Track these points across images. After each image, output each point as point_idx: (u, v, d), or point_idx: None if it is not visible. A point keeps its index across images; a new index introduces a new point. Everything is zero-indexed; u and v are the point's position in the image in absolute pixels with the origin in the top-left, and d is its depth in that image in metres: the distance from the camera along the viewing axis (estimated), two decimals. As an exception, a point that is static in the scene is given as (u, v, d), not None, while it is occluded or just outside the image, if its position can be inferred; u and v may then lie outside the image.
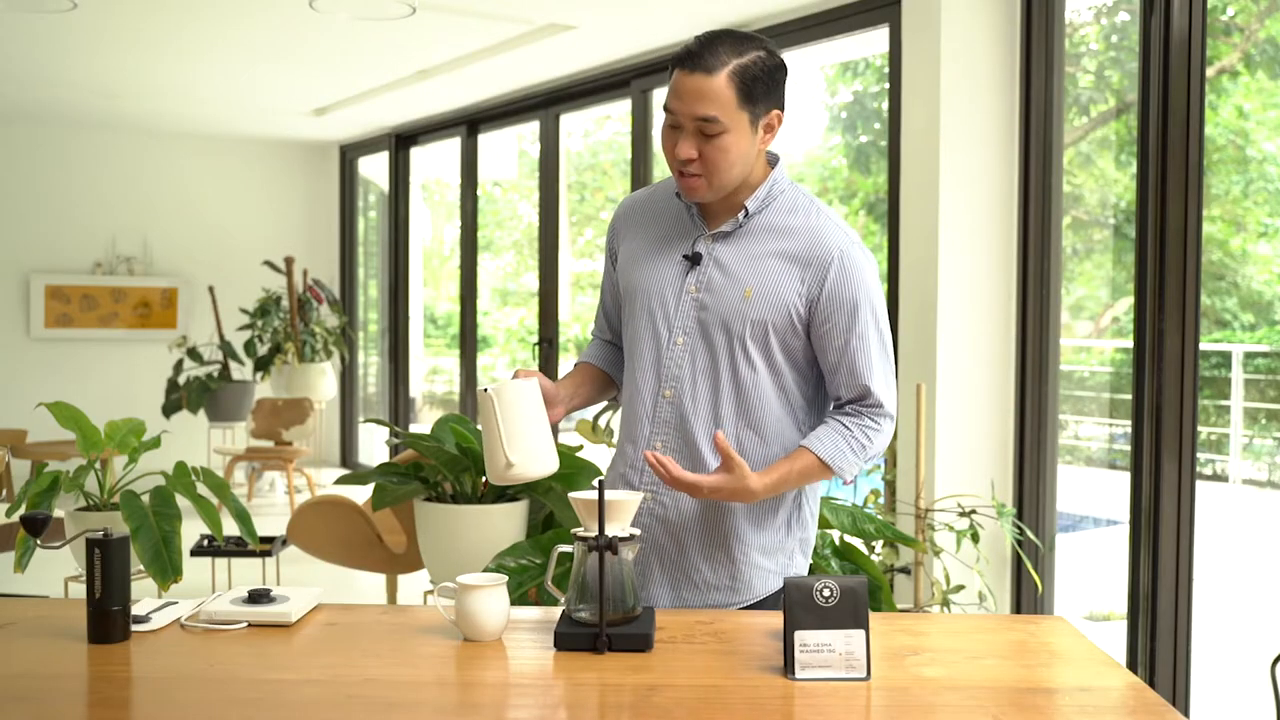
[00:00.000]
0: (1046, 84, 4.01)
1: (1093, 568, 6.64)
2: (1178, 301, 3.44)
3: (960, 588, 3.81)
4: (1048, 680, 1.62)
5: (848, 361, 1.95)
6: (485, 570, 2.79)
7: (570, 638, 1.71)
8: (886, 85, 5.13)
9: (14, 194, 8.19)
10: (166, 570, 2.37)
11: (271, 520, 6.98)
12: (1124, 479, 3.67)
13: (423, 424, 9.94)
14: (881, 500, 4.05)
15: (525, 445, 1.84)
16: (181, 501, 2.81)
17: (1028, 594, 4.08)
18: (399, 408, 8.46)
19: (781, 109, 1.95)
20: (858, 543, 3.38)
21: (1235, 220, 10.67)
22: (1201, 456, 9.71)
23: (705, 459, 1.97)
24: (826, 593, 1.61)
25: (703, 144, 1.89)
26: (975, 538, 3.73)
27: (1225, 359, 9.61)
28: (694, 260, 1.99)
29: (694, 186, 1.94)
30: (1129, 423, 3.59)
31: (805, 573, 2.09)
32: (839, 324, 1.94)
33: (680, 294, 1.99)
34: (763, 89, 1.90)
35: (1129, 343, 3.95)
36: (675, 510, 2.01)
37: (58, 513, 3.17)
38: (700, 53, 1.87)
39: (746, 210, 1.98)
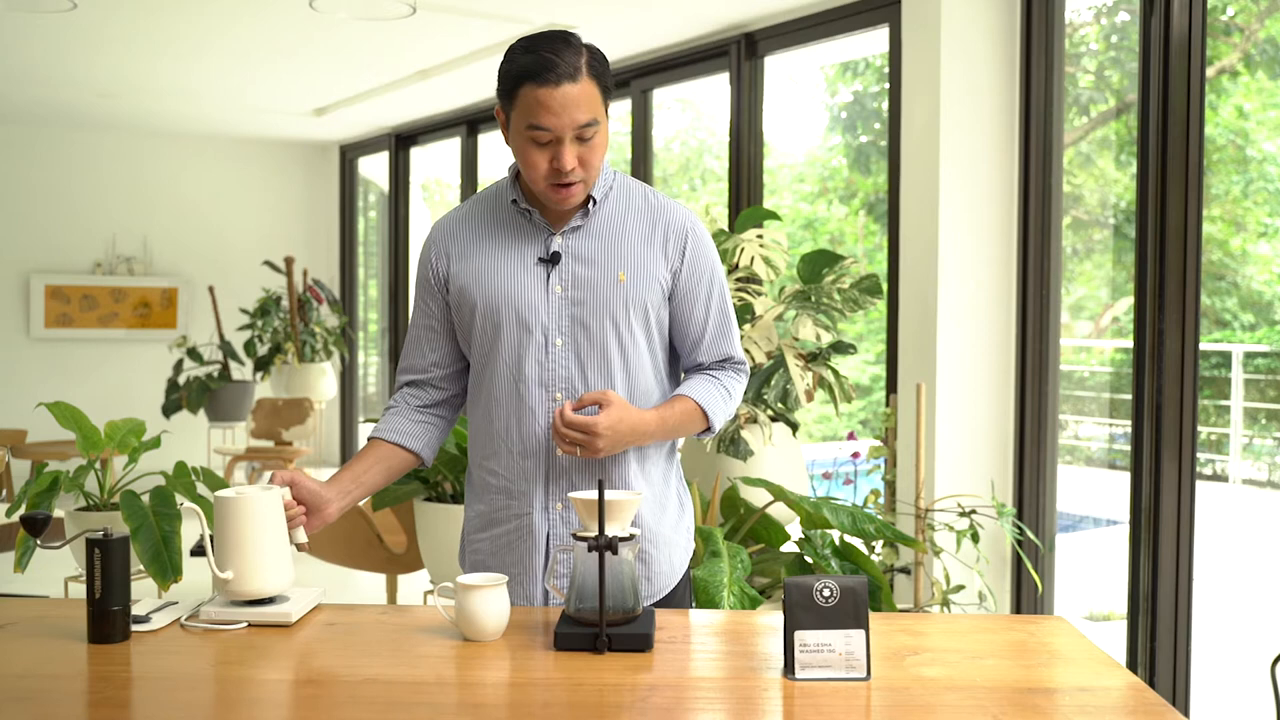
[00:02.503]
0: (1046, 84, 4.01)
1: (1093, 568, 6.65)
2: (1178, 301, 3.44)
3: (960, 588, 3.81)
4: (1048, 680, 1.62)
5: (712, 329, 2.06)
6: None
7: (570, 638, 1.70)
8: (886, 85, 5.12)
9: (14, 194, 8.19)
10: (166, 570, 2.36)
11: (271, 520, 6.97)
12: (1124, 479, 3.67)
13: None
14: (881, 500, 4.04)
15: (240, 561, 1.81)
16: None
17: (1028, 594, 4.08)
18: (399, 408, 8.44)
19: None
20: (858, 543, 3.39)
21: (1235, 220, 10.67)
22: (1201, 456, 9.71)
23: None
24: (826, 593, 1.61)
25: (580, 150, 1.90)
26: (975, 538, 3.73)
27: (1225, 359, 9.61)
28: (552, 260, 1.98)
29: (574, 194, 1.93)
30: (1129, 423, 3.59)
31: (688, 561, 2.14)
32: (700, 292, 2.04)
33: (548, 297, 1.97)
34: (610, 77, 1.94)
35: (1129, 343, 3.95)
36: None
37: (58, 513, 3.17)
38: (556, 62, 1.84)
39: (594, 200, 1.99)
